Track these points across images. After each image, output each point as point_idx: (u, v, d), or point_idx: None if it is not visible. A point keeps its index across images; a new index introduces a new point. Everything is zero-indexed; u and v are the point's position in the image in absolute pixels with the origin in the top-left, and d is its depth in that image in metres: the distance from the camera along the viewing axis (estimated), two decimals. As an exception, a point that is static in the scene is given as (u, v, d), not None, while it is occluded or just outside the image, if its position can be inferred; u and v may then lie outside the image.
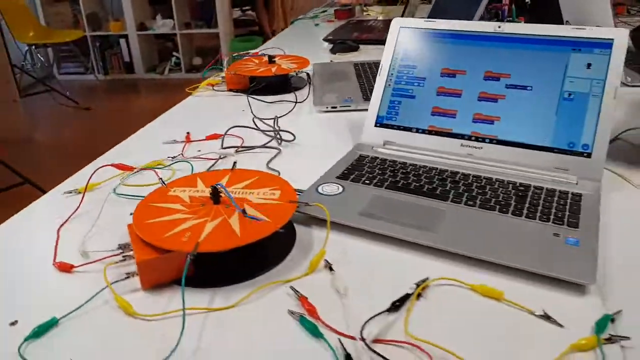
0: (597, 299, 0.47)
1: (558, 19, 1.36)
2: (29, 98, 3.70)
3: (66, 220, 0.63)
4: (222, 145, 0.82)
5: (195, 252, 0.48)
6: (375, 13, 2.11)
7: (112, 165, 0.72)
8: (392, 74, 0.81)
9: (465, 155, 0.73)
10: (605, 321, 0.44)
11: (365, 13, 2.15)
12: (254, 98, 1.07)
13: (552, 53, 0.71)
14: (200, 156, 0.79)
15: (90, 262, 0.54)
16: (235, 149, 0.82)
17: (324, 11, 2.23)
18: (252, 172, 0.64)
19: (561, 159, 0.68)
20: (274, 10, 4.93)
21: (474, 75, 0.75)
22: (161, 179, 0.69)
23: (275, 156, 0.80)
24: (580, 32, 0.70)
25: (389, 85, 0.81)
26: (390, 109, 0.80)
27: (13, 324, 0.47)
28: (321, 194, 0.65)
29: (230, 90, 1.13)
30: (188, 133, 0.88)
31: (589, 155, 0.67)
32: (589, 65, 0.69)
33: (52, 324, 0.46)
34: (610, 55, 0.68)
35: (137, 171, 0.74)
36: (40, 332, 0.45)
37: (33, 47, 3.90)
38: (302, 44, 1.67)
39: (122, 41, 4.43)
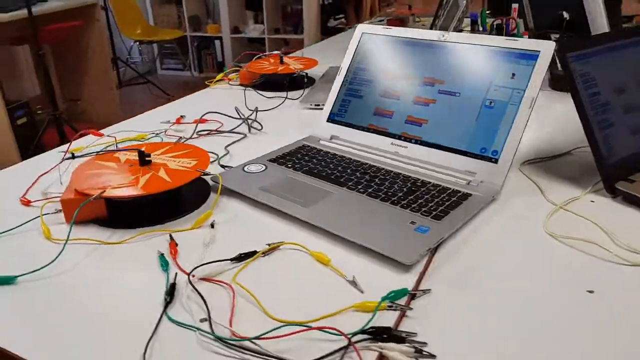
0: (414, 277, 0.52)
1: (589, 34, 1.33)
2: (127, 88, 4.17)
3: (47, 172, 0.79)
4: (196, 127, 0.95)
5: (98, 197, 0.60)
6: (428, 23, 2.14)
7: (89, 131, 0.87)
8: (348, 75, 0.88)
9: (393, 153, 0.78)
10: (400, 294, 0.49)
11: (419, 23, 2.18)
12: (257, 92, 1.19)
13: (484, 62, 0.75)
14: (174, 134, 0.93)
15: (41, 200, 0.69)
16: (209, 131, 0.94)
17: (381, 20, 2.30)
18: (187, 146, 0.75)
19: (471, 162, 0.71)
20: (363, 18, 5.06)
21: (414, 80, 0.80)
22: (116, 144, 0.84)
23: (237, 140, 0.91)
24: (512, 43, 0.73)
25: (345, 85, 0.88)
26: (341, 107, 0.87)
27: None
28: (245, 171, 0.75)
29: (241, 84, 1.26)
30: (182, 116, 1.03)
31: (495, 162, 0.70)
32: (513, 75, 0.72)
33: (-9, 236, 0.61)
34: (534, 67, 0.71)
35: (118, 140, 0.89)
36: (-20, 240, 0.60)
37: (138, 43, 4.38)
38: (340, 49, 1.76)
39: (217, 42, 4.81)
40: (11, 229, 0.63)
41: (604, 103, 0.72)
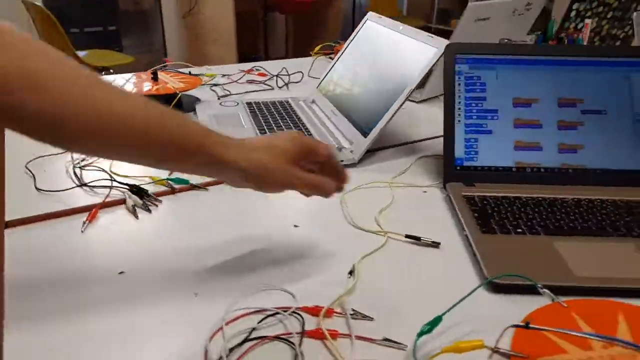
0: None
1: None
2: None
3: (138, 80, 1.21)
4: (243, 75, 1.25)
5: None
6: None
7: (166, 60, 1.26)
8: (343, 53, 1.04)
9: (328, 118, 0.93)
10: (182, 182, 0.70)
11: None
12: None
13: (402, 54, 0.83)
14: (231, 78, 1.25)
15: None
16: (253, 80, 1.23)
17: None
18: (195, 79, 1.06)
19: (356, 135, 0.82)
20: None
21: (364, 64, 0.92)
22: (162, 67, 1.20)
23: (263, 90, 1.17)
24: (427, 39, 0.79)
25: (337, 61, 1.04)
26: (328, 79, 1.04)
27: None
28: (220, 104, 1.02)
29: (328, 56, 1.49)
30: (253, 68, 1.33)
31: (365, 136, 0.79)
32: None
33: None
34: (427, 62, 0.76)
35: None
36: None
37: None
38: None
39: (459, 37, 4.89)
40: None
41: (489, 110, 0.73)
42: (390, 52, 0.86)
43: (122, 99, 0.41)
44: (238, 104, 1.01)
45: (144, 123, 0.42)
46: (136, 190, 0.68)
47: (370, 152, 0.82)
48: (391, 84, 0.81)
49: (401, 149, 0.87)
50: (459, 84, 0.73)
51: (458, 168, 0.72)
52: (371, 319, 0.47)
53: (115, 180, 0.69)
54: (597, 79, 0.73)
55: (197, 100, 1.05)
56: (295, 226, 0.63)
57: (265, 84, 1.21)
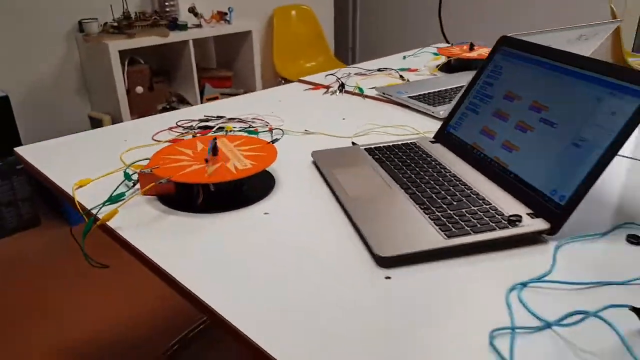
0: (372, 96, 1.20)
1: None
2: None
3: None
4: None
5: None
6: None
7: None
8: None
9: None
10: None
11: None
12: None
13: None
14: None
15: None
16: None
17: None
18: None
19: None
20: None
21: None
22: None
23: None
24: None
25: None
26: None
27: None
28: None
29: None
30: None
31: (456, 101, 1.00)
32: (503, 57, 0.90)
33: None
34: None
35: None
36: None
37: None
38: None
39: None
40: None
41: (488, 95, 0.82)
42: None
43: None
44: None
45: None
46: (341, 85, 1.27)
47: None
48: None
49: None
50: (488, 69, 0.84)
51: (445, 132, 0.87)
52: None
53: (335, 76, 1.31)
54: (574, 92, 0.66)
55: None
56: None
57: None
